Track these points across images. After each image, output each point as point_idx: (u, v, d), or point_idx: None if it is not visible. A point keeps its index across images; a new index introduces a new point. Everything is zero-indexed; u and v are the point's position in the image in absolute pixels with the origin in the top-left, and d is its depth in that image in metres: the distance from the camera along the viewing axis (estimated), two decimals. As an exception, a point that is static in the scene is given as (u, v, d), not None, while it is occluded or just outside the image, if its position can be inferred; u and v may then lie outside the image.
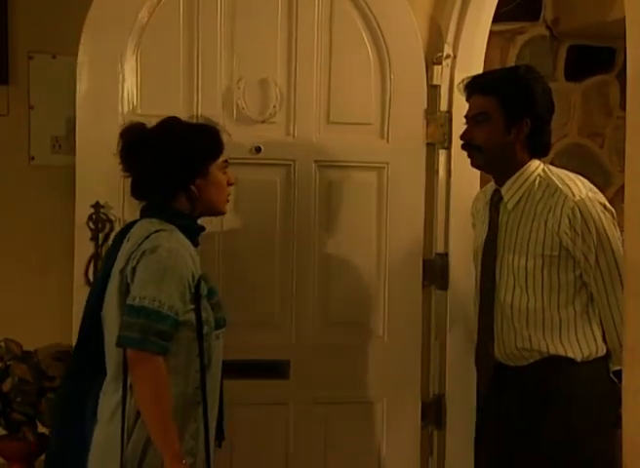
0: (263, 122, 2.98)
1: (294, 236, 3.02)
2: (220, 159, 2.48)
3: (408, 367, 3.14)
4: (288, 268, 3.02)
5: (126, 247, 2.39)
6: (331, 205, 3.06)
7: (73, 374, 2.50)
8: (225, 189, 2.51)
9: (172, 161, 2.40)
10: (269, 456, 3.05)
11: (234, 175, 2.56)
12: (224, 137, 2.49)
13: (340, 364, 3.08)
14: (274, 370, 3.03)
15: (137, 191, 2.48)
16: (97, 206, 2.83)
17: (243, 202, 2.97)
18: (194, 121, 2.50)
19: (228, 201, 2.54)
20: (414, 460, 3.16)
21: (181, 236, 2.39)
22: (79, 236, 2.83)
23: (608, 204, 2.59)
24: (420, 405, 3.16)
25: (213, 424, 2.42)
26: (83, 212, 2.83)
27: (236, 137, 2.94)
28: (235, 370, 2.94)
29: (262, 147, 2.97)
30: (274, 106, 2.97)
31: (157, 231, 2.35)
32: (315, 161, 3.03)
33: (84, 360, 2.45)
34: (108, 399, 2.35)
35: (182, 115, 2.80)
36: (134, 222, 2.47)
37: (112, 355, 2.36)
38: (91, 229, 2.81)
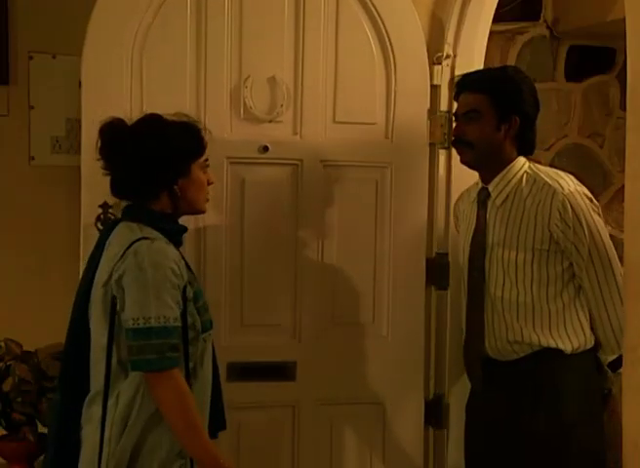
0: (271, 121, 2.97)
1: (300, 236, 3.02)
2: (202, 158, 2.45)
3: (411, 367, 3.14)
4: (294, 268, 3.02)
5: (107, 255, 2.35)
6: (336, 205, 3.05)
7: (65, 382, 2.48)
8: (205, 188, 2.48)
9: (153, 160, 2.36)
10: (276, 458, 3.05)
11: (214, 175, 2.54)
12: (206, 136, 2.46)
13: (346, 364, 3.08)
14: (281, 371, 3.03)
15: (117, 190, 2.44)
16: (105, 206, 2.79)
17: (250, 201, 2.97)
18: (175, 119, 2.44)
19: (208, 200, 2.51)
20: (417, 460, 3.17)
21: (163, 242, 2.34)
22: (85, 236, 2.79)
23: (593, 198, 2.64)
24: (423, 404, 3.16)
25: (204, 425, 2.39)
26: (90, 212, 2.81)
27: (243, 137, 2.95)
28: (241, 371, 2.95)
29: (270, 146, 2.97)
30: (281, 105, 2.96)
31: (139, 240, 2.31)
32: (321, 160, 3.02)
33: (73, 368, 2.42)
34: (98, 407, 2.32)
35: (190, 114, 2.80)
36: (115, 224, 2.44)
37: (98, 367, 2.33)
38: (99, 229, 2.77)
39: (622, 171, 2.47)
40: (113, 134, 2.41)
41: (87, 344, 2.39)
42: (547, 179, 2.62)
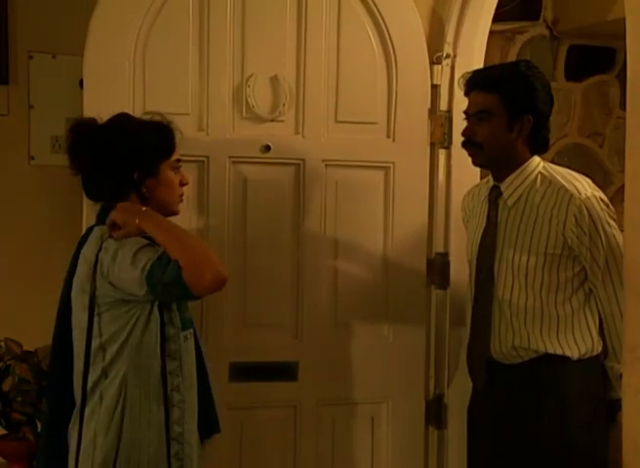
0: (273, 121, 2.97)
1: (302, 235, 3.02)
2: (173, 158, 2.41)
3: (412, 366, 3.14)
4: (296, 268, 3.02)
5: (83, 264, 2.33)
6: (338, 204, 3.05)
7: (51, 393, 2.48)
8: (177, 189, 2.43)
9: (119, 159, 2.32)
10: (278, 457, 3.05)
11: (188, 175, 2.51)
12: (177, 136, 2.42)
13: (347, 364, 3.08)
14: (283, 371, 3.02)
15: (87, 191, 2.41)
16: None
17: (252, 200, 2.96)
18: (146, 118, 2.42)
19: (181, 201, 2.46)
20: (417, 459, 3.17)
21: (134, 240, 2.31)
22: (88, 236, 2.79)
23: (609, 203, 2.59)
24: (423, 404, 3.16)
25: (192, 426, 2.39)
26: (93, 212, 2.76)
27: (246, 136, 2.94)
28: (244, 372, 2.94)
29: (272, 146, 2.96)
30: (283, 105, 2.96)
31: (108, 238, 2.30)
32: (323, 160, 3.02)
33: (59, 378, 2.41)
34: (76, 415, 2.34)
35: (192, 113, 2.80)
36: (90, 231, 2.41)
37: (77, 376, 2.34)
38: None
39: (622, 170, 2.46)
40: (82, 132, 2.38)
41: (71, 354, 2.37)
42: (564, 182, 2.56)
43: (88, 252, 2.33)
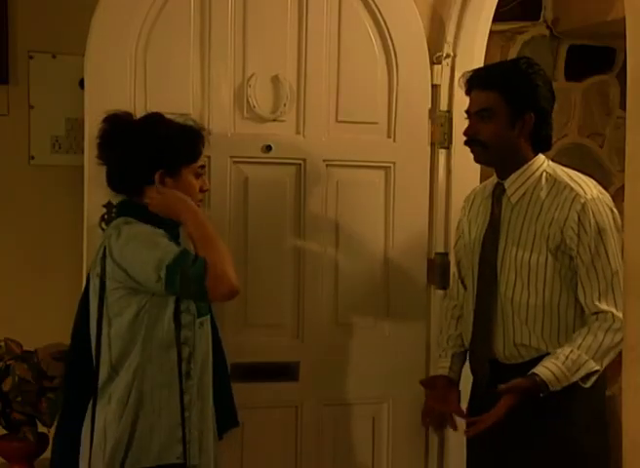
0: (274, 120, 2.97)
1: (303, 236, 3.02)
2: (197, 164, 2.46)
3: (413, 366, 3.13)
4: (297, 268, 3.02)
5: (98, 251, 2.40)
6: (339, 204, 3.05)
7: (70, 380, 2.52)
8: (196, 195, 2.47)
9: (142, 156, 2.39)
10: (279, 458, 3.05)
11: (208, 181, 2.58)
12: (207, 140, 2.49)
13: (349, 364, 3.08)
14: (284, 371, 3.02)
15: (110, 182, 2.47)
16: (109, 205, 2.76)
17: (253, 200, 2.96)
18: (179, 121, 2.48)
19: (199, 207, 2.50)
20: (418, 459, 3.17)
21: (149, 226, 2.38)
22: (90, 237, 2.77)
23: (614, 207, 2.56)
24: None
25: (206, 412, 2.43)
26: (94, 212, 2.79)
27: (247, 136, 2.95)
28: (245, 372, 2.94)
29: (273, 146, 2.96)
30: (284, 104, 2.96)
31: (122, 225, 2.38)
32: (324, 160, 3.02)
33: (78, 365, 2.46)
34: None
35: (194, 113, 2.80)
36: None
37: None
38: (103, 230, 2.73)
39: (622, 170, 2.45)
40: (114, 124, 2.44)
41: (88, 343, 2.42)
42: (569, 182, 2.56)
43: (104, 238, 2.40)
